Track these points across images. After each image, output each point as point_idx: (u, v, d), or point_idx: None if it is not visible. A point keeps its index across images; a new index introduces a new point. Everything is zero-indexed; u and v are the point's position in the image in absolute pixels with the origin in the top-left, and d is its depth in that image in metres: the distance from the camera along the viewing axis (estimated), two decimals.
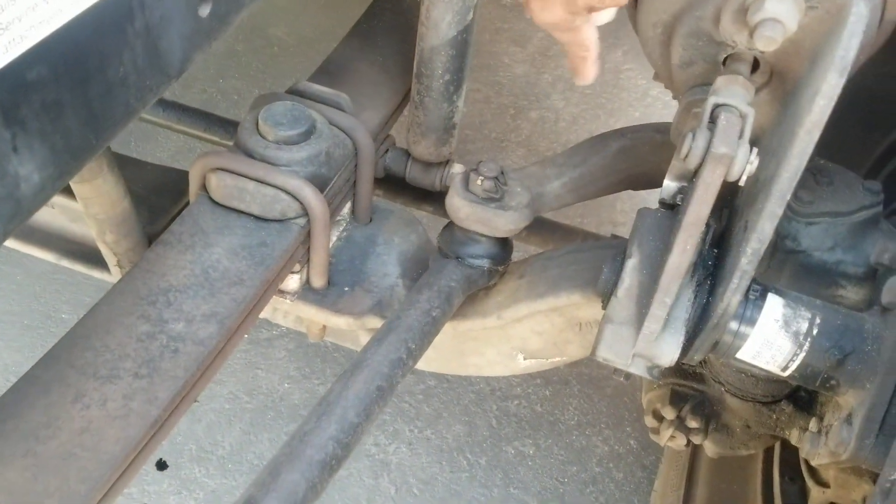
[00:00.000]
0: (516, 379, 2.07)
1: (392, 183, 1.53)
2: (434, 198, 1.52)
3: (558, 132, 2.72)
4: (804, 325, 0.91)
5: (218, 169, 1.13)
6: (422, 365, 1.38)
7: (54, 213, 1.41)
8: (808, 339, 0.91)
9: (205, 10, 0.85)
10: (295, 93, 1.27)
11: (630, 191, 1.32)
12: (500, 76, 2.85)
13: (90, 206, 1.19)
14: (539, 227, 1.61)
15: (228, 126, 1.72)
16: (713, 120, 0.81)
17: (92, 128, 0.73)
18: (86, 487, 0.84)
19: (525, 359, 1.30)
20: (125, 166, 1.25)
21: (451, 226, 1.24)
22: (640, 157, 1.26)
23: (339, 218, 1.31)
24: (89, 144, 0.75)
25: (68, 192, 1.20)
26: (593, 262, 1.15)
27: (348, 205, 1.31)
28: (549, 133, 2.71)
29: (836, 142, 1.31)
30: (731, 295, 0.84)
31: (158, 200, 1.37)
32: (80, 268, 1.42)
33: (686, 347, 0.92)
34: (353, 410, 0.95)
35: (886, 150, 1.29)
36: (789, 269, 1.01)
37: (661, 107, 2.76)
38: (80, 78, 0.69)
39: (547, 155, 1.39)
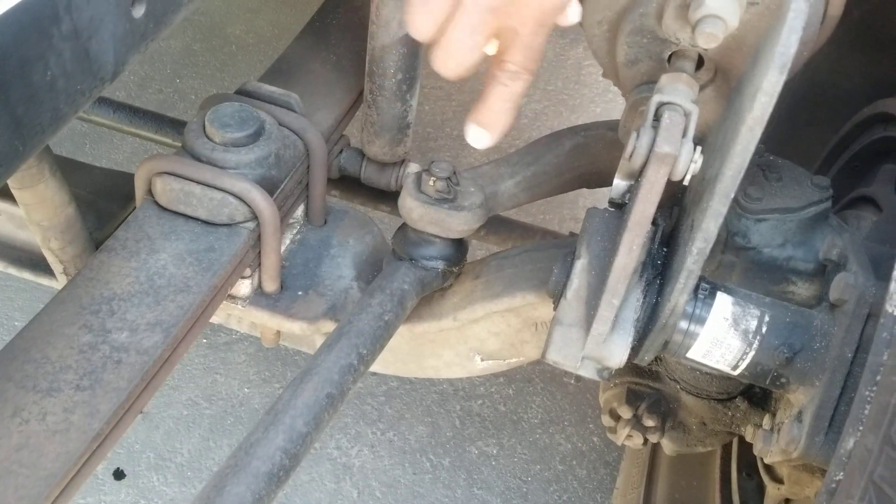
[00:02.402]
0: (479, 378, 2.06)
1: (348, 183, 1.52)
2: (391, 198, 1.50)
3: (520, 129, 2.71)
4: (753, 323, 0.91)
5: (163, 173, 1.11)
6: (379, 368, 1.36)
7: (0, 220, 1.37)
8: (758, 338, 0.91)
9: (139, 11, 0.82)
10: (244, 93, 1.25)
11: (592, 187, 1.32)
12: None
13: (33, 212, 1.16)
14: (497, 225, 1.61)
15: (180, 127, 1.69)
16: (657, 118, 0.80)
17: (17, 134, 0.71)
18: None
19: (482, 360, 1.29)
20: (71, 170, 1.22)
21: (404, 227, 1.22)
22: (593, 154, 1.25)
23: (292, 220, 1.29)
24: (16, 151, 0.72)
25: (12, 198, 1.17)
26: (548, 261, 1.14)
27: (302, 207, 1.29)
28: (511, 130, 2.70)
29: (786, 138, 1.32)
30: (679, 295, 0.83)
31: (106, 205, 1.34)
32: (27, 275, 1.39)
33: (636, 348, 0.92)
34: (302, 419, 0.93)
35: (836, 146, 1.29)
36: (740, 266, 1.01)
37: (622, 103, 2.76)
38: (1, 82, 0.66)
39: (507, 153, 1.38)
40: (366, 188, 1.49)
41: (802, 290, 1.01)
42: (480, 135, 0.85)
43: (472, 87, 2.79)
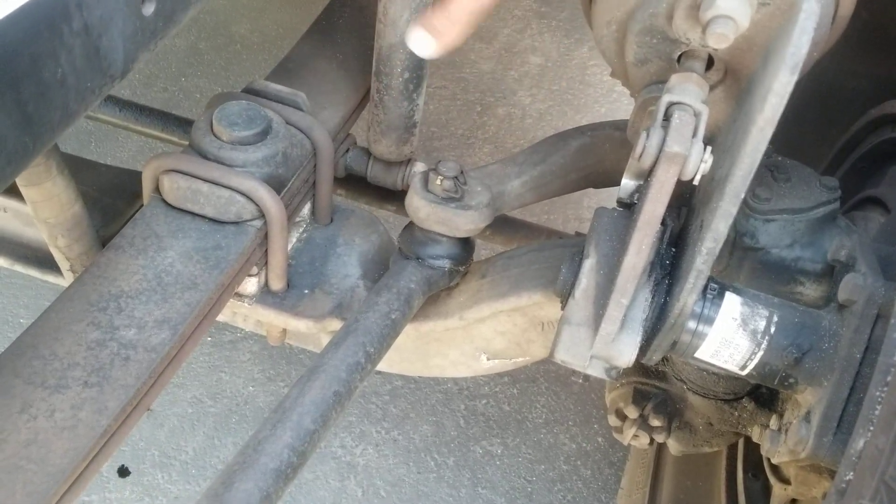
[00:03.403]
0: (484, 378, 2.06)
1: (354, 182, 1.51)
2: (397, 197, 1.50)
3: (525, 129, 2.71)
4: (762, 324, 0.91)
5: (171, 170, 1.11)
6: (385, 366, 1.36)
7: (7, 217, 1.37)
8: (766, 338, 0.91)
9: (149, 9, 0.82)
10: (251, 92, 1.25)
11: (598, 187, 1.31)
12: (466, 73, 2.84)
13: (40, 210, 1.16)
14: (503, 225, 1.60)
15: (186, 125, 1.69)
16: (667, 118, 0.80)
17: (27, 131, 0.71)
18: (32, 501, 0.82)
19: (488, 359, 1.29)
20: (77, 168, 1.22)
21: (411, 226, 1.22)
22: (600, 154, 1.25)
23: (298, 219, 1.29)
24: (26, 148, 0.72)
25: (20, 195, 1.17)
26: (555, 260, 1.14)
27: (308, 205, 1.29)
28: (515, 130, 2.70)
29: (795, 139, 1.32)
30: (688, 295, 0.83)
31: (112, 203, 1.34)
32: (34, 273, 1.39)
33: (644, 347, 0.92)
34: (310, 417, 0.93)
35: (844, 147, 1.29)
36: (748, 266, 1.01)
37: (626, 103, 2.77)
38: (12, 79, 0.66)
39: (512, 152, 1.38)
40: (372, 187, 1.49)
41: (811, 290, 1.01)
42: (425, 41, 0.79)
43: (477, 88, 2.80)
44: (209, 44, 2.87)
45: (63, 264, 1.26)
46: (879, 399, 0.73)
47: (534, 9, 3.17)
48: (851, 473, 0.72)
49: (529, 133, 2.69)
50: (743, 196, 0.76)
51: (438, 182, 1.15)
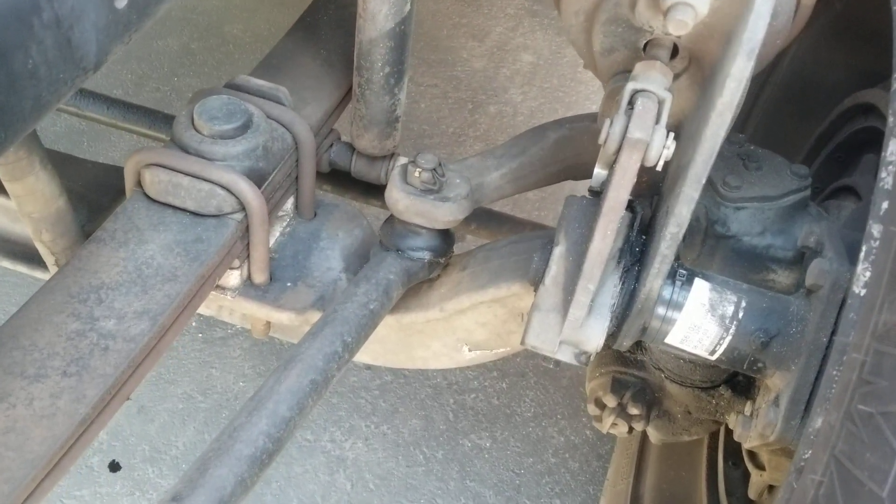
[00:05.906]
0: (473, 372, 2.07)
1: (340, 178, 1.53)
2: (382, 192, 1.51)
3: (516, 126, 2.72)
4: (730, 309, 0.92)
5: (152, 164, 1.12)
6: (370, 359, 1.38)
7: None
8: (734, 323, 0.92)
9: (121, 2, 0.83)
10: (233, 87, 1.26)
11: (578, 179, 1.32)
12: (458, 71, 2.85)
13: (24, 204, 1.18)
14: (489, 219, 1.62)
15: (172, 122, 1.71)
16: (631, 105, 0.81)
17: None
18: (9, 487, 0.83)
19: (470, 350, 1.30)
20: (64, 164, 1.23)
21: (391, 219, 1.24)
22: (578, 146, 1.26)
23: (282, 213, 1.30)
24: None
25: (6, 192, 1.18)
26: (534, 251, 1.15)
27: (292, 200, 1.31)
28: (507, 127, 2.71)
29: (773, 130, 1.33)
30: (653, 279, 0.84)
31: (98, 198, 1.35)
32: (21, 268, 1.40)
33: (616, 334, 0.93)
34: (285, 405, 0.94)
35: (821, 137, 1.30)
36: (720, 254, 1.02)
37: None
38: None
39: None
40: (358, 183, 1.50)
41: (783, 277, 1.02)
42: None
43: (468, 86, 2.81)
44: (201, 44, 2.89)
45: (48, 258, 1.27)
46: (836, 378, 0.74)
47: (526, 7, 3.19)
48: (809, 451, 0.73)
49: (520, 130, 2.69)
50: (704, 180, 0.78)
51: (417, 174, 1.17)
